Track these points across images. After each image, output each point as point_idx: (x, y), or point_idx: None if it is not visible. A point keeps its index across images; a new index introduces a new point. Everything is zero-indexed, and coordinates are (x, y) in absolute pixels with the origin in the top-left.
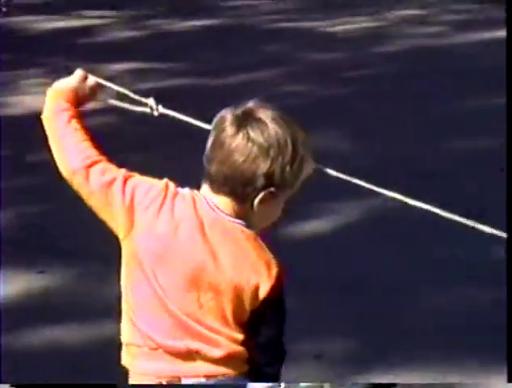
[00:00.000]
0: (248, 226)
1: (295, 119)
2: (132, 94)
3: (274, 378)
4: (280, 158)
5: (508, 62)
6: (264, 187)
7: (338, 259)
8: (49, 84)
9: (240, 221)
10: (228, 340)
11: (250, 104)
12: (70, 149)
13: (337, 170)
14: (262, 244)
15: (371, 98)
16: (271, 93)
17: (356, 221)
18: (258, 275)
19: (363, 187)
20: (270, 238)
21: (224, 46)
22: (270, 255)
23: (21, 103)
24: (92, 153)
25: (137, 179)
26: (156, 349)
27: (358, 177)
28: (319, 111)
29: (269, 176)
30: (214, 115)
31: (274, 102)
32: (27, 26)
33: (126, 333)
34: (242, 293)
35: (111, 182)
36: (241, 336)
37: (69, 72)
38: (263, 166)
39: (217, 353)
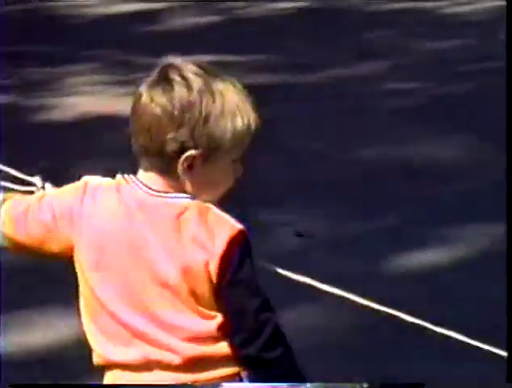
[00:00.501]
0: (192, 198)
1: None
2: (16, 173)
3: (280, 366)
4: (187, 118)
5: (508, 62)
6: (180, 152)
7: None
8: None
9: (176, 195)
10: (193, 342)
11: (166, 63)
12: None
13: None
14: (213, 213)
15: (497, 96)
16: (374, 91)
17: (477, 252)
18: (204, 249)
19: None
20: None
21: (315, 34)
22: (220, 222)
23: (65, 105)
24: None
25: (50, 194)
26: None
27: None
28: (433, 114)
29: (179, 139)
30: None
31: (377, 101)
32: (72, 11)
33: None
34: (193, 276)
35: (26, 210)
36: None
37: None
38: (169, 130)
39: (176, 360)
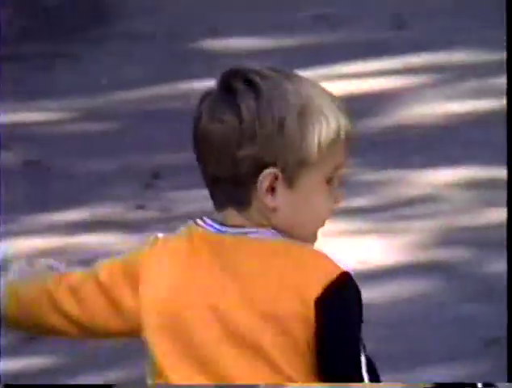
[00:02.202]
0: (282, 235)
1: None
2: None
3: None
4: (258, 129)
5: (508, 62)
6: (256, 172)
7: None
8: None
9: (259, 230)
10: None
11: (227, 70)
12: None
13: None
14: (309, 252)
15: None
16: None
17: None
18: (298, 296)
19: None
20: None
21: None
22: (317, 262)
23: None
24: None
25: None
26: None
27: None
28: None
29: (252, 155)
30: None
31: None
32: None
33: None
34: (283, 330)
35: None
36: None
37: None
38: (239, 147)
39: None
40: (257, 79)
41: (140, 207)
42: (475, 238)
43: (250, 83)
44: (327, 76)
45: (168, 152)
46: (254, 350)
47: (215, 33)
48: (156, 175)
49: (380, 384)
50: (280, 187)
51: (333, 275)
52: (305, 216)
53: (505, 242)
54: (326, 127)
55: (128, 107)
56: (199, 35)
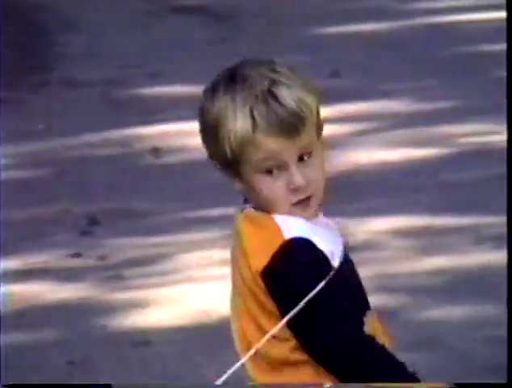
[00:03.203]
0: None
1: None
2: None
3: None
4: (200, 128)
5: (508, 61)
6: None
7: None
8: None
9: (247, 206)
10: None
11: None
12: None
13: None
14: (260, 223)
15: None
16: None
17: None
18: (250, 261)
19: None
20: None
21: None
22: (269, 234)
23: None
24: None
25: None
26: None
27: None
28: None
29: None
30: None
31: None
32: None
33: None
34: (250, 294)
35: None
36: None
37: None
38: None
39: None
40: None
41: (77, 255)
42: (411, 284)
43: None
44: None
45: (105, 199)
46: (245, 310)
47: (153, 80)
48: (93, 222)
49: (398, 383)
50: (228, 176)
51: (277, 244)
52: (259, 199)
53: (446, 287)
54: (234, 128)
55: (65, 153)
56: (137, 82)
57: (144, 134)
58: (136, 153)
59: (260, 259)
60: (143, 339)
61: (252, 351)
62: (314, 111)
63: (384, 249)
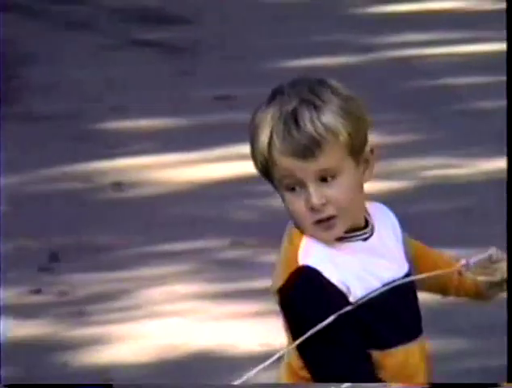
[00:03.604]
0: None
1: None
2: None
3: None
4: None
5: (508, 63)
6: None
7: None
8: None
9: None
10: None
11: None
12: None
13: None
14: (292, 240)
15: None
16: None
17: None
18: (275, 271)
19: None
20: None
21: None
22: (287, 253)
23: None
24: None
25: None
26: None
27: None
28: None
29: None
30: None
31: None
32: None
33: None
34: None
35: None
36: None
37: None
38: None
39: None
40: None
41: (37, 291)
42: None
43: None
44: (229, 156)
45: (66, 234)
46: None
47: (113, 113)
48: (53, 258)
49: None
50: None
51: (293, 267)
52: (289, 215)
53: None
54: (257, 144)
55: (24, 188)
56: (97, 116)
57: (106, 168)
58: (97, 187)
59: (279, 278)
60: (105, 376)
61: (274, 357)
62: (344, 135)
63: None
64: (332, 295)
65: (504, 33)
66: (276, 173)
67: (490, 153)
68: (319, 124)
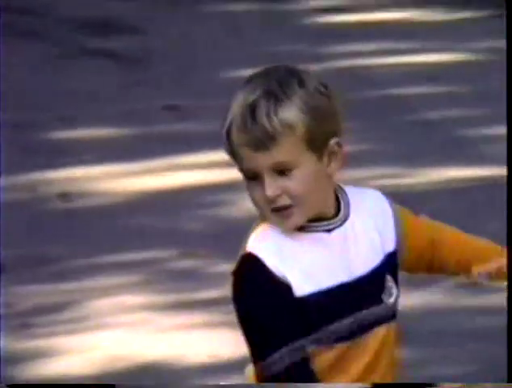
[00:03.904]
0: None
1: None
2: None
3: None
4: None
5: (508, 65)
6: None
7: None
8: None
9: None
10: None
11: None
12: None
13: None
14: (254, 227)
15: None
16: None
17: None
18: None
19: None
20: None
21: None
22: (247, 240)
23: None
24: None
25: None
26: None
27: None
28: None
29: None
30: None
31: None
32: None
33: None
34: None
35: None
36: None
37: None
38: None
39: None
40: None
41: None
42: None
43: None
44: (177, 166)
45: (11, 245)
46: None
47: (64, 123)
48: None
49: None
50: None
51: (242, 252)
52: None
53: None
54: (221, 131)
55: None
56: (46, 126)
57: (53, 178)
58: (43, 197)
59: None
60: None
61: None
62: (302, 130)
63: None
64: (269, 285)
65: (449, 44)
66: (237, 161)
67: (439, 163)
68: (275, 119)
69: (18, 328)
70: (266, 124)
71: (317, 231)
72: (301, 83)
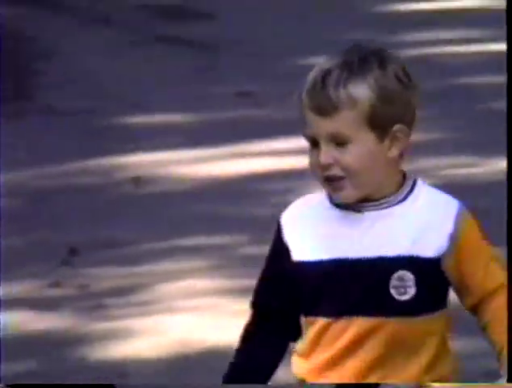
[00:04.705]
0: None
1: None
2: None
3: None
4: None
5: (508, 65)
6: None
7: None
8: None
9: None
10: None
11: None
12: None
13: None
14: None
15: None
16: None
17: None
18: None
19: None
20: None
21: None
22: None
23: None
24: None
25: None
26: None
27: None
28: None
29: None
30: None
31: None
32: None
33: None
34: None
35: None
36: None
37: None
38: None
39: None
40: None
41: (56, 284)
42: None
43: None
44: (249, 153)
45: (85, 228)
46: None
47: (137, 109)
48: (73, 252)
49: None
50: None
51: None
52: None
53: None
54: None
55: (44, 182)
56: (120, 111)
57: (125, 163)
58: (116, 182)
59: None
60: (122, 371)
61: None
62: (365, 106)
63: None
64: (274, 245)
65: None
66: (304, 126)
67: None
68: (341, 89)
69: (91, 310)
70: (332, 93)
71: (347, 209)
72: (381, 64)
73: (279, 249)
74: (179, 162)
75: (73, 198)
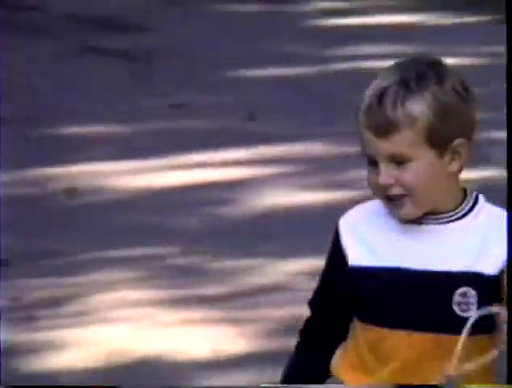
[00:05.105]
0: None
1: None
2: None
3: None
4: None
5: (508, 65)
6: None
7: None
8: None
9: None
10: None
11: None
12: None
13: None
14: None
15: None
16: None
17: None
18: None
19: None
20: None
21: None
22: None
23: None
24: None
25: None
26: None
27: None
28: None
29: None
30: None
31: None
32: None
33: None
34: None
35: None
36: None
37: None
38: None
39: None
40: None
41: None
42: None
43: None
44: (182, 164)
45: (17, 239)
46: None
47: (71, 119)
48: (4, 263)
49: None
50: None
51: None
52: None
53: None
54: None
55: None
56: (51, 121)
57: (59, 174)
58: (50, 193)
59: None
60: (56, 381)
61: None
62: (424, 123)
63: (298, 290)
64: (332, 248)
65: (456, 47)
66: (361, 144)
67: None
68: (399, 108)
69: (23, 321)
70: (389, 112)
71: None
72: (439, 79)
73: (336, 253)
74: (113, 173)
75: (6, 209)
